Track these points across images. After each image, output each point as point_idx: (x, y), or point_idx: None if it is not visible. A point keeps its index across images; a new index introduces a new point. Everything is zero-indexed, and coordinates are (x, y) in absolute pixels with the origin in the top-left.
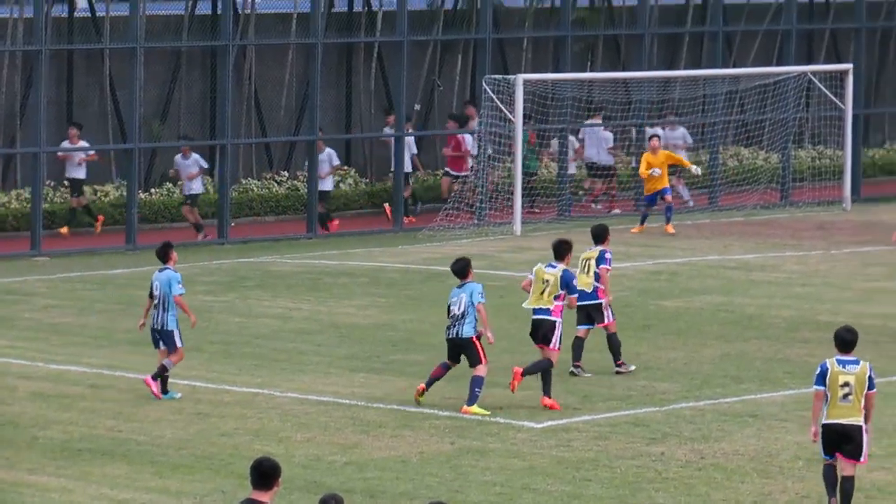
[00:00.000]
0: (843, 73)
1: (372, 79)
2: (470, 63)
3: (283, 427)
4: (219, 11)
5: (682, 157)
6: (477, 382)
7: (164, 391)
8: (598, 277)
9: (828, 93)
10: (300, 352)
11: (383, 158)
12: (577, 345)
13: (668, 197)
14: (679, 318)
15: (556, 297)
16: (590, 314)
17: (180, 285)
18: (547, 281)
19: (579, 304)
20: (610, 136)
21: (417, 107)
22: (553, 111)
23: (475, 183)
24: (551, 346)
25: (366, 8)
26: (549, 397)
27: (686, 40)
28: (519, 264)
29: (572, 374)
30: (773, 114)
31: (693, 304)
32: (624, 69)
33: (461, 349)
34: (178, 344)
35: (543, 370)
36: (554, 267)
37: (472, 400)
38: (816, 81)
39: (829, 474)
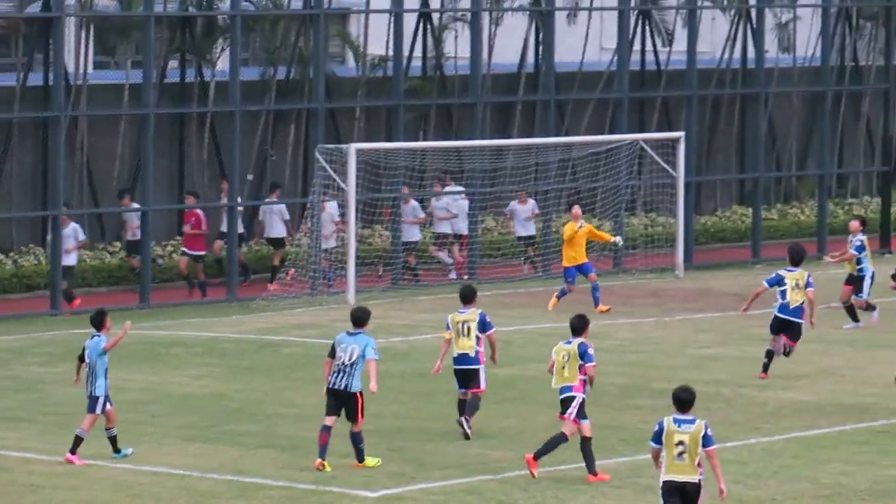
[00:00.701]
0: (675, 140)
1: (205, 149)
2: (303, 132)
3: (114, 498)
4: (50, 82)
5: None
6: (359, 438)
7: (117, 450)
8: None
9: (659, 160)
10: (135, 422)
11: (213, 228)
12: (461, 404)
13: (593, 275)
14: (513, 386)
15: (580, 369)
16: (467, 378)
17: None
18: (566, 356)
19: (458, 367)
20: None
21: (250, 177)
22: (386, 180)
23: (308, 252)
24: (566, 415)
25: (198, 78)
26: (536, 460)
27: (518, 108)
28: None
29: (459, 423)
30: (605, 181)
31: (526, 371)
32: (457, 138)
33: (344, 401)
34: (98, 410)
35: (555, 443)
36: (570, 343)
37: (360, 455)
38: (648, 149)
39: None
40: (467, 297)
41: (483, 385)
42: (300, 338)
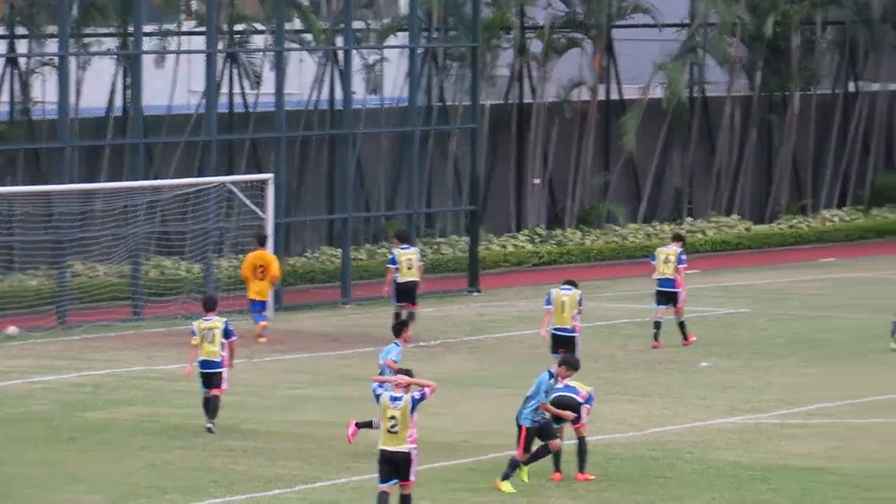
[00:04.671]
0: (264, 182)
1: None
2: None
3: None
4: None
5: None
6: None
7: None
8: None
9: (248, 202)
10: None
11: None
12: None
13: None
14: (104, 429)
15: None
16: (212, 380)
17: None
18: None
19: (204, 371)
20: None
21: None
22: None
23: None
24: (581, 423)
25: None
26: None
27: (107, 152)
28: None
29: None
30: (194, 224)
31: (118, 415)
32: (45, 182)
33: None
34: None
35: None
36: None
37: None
38: (236, 191)
39: (384, 499)
40: (211, 306)
41: (225, 385)
42: None
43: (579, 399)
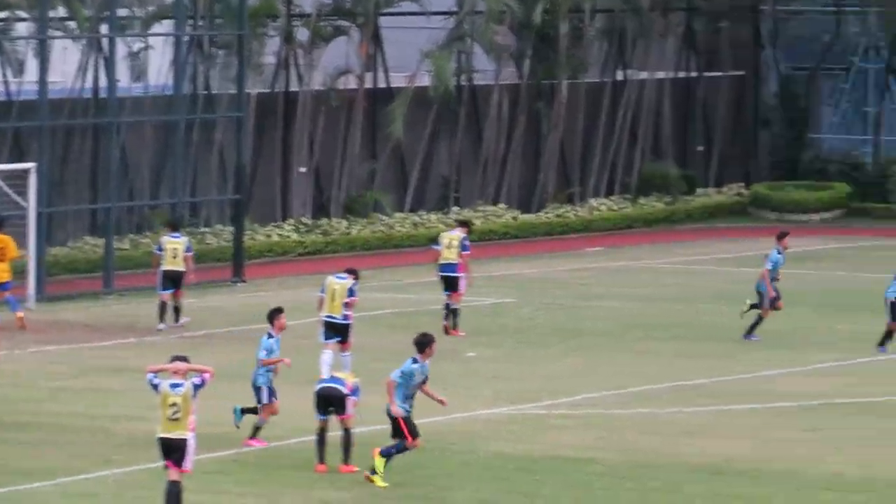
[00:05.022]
0: (26, 171)
1: None
2: None
3: None
4: None
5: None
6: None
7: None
8: None
9: (10, 192)
10: None
11: None
12: None
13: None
14: None
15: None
16: None
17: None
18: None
19: None
20: None
21: None
22: None
23: None
24: (347, 415)
25: None
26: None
27: None
28: None
29: None
30: None
31: None
32: None
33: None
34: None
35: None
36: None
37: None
38: None
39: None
40: None
41: None
42: None
43: (345, 391)
